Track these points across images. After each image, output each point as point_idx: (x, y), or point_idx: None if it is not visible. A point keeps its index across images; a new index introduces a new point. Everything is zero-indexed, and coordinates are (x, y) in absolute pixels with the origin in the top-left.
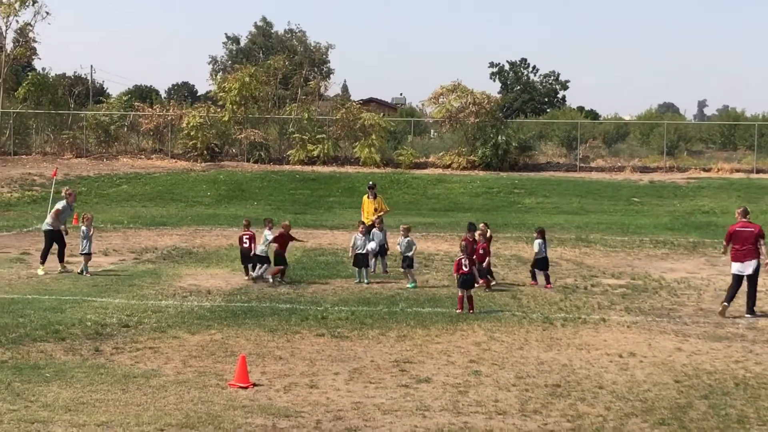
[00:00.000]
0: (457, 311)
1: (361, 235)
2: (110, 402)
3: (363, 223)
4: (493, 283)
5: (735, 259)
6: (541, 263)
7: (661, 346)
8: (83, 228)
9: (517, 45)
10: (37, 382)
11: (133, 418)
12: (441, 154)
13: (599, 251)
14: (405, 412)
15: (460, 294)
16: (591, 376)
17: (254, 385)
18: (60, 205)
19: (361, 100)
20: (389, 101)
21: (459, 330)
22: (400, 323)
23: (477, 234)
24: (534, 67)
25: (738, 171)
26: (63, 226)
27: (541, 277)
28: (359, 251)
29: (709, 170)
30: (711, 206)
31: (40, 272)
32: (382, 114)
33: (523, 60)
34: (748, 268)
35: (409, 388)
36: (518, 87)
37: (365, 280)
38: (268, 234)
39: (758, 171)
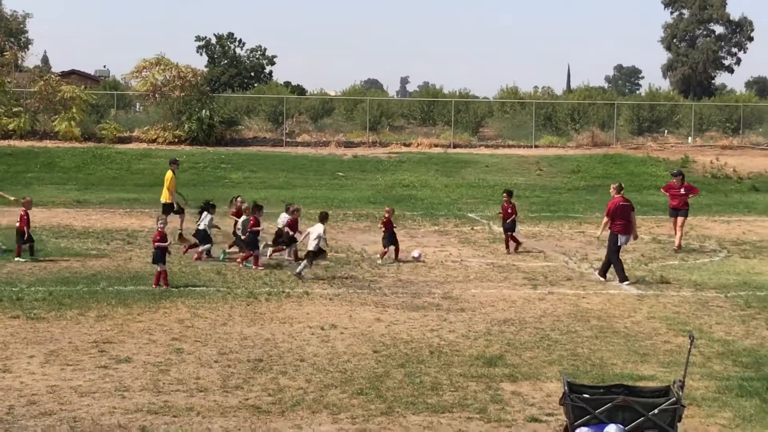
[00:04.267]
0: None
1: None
2: None
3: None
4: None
5: (622, 231)
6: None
7: (361, 317)
8: None
9: (226, 18)
10: None
11: None
12: (146, 128)
13: (305, 225)
14: (103, 393)
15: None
16: (293, 349)
17: None
18: None
19: (62, 72)
20: (92, 73)
21: (162, 308)
22: (100, 303)
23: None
24: (240, 41)
25: (436, 146)
26: None
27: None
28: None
29: (409, 145)
30: (411, 180)
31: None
32: (83, 87)
33: (230, 34)
34: (627, 239)
35: (108, 368)
36: (225, 61)
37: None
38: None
39: (455, 146)
